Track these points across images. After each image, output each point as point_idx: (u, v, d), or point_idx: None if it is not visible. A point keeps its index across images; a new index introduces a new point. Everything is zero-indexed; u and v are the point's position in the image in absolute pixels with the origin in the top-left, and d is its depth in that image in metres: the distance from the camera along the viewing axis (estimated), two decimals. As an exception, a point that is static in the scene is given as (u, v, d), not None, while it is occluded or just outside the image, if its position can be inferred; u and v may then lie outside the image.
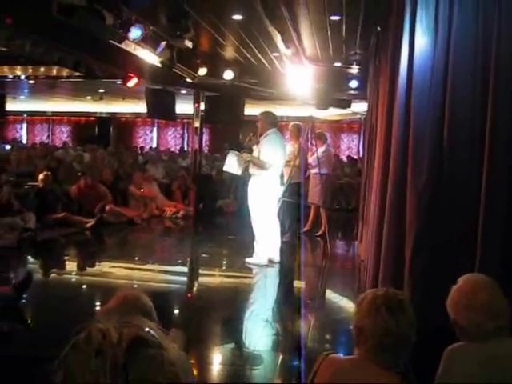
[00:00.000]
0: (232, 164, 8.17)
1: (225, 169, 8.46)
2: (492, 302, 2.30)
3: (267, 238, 8.01)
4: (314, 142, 10.82)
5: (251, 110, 13.57)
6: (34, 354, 3.94)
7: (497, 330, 2.26)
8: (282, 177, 8.55)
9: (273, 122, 8.14)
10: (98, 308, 5.92)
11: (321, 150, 10.45)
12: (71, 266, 8.45)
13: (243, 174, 8.27)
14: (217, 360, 4.76)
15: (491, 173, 3.99)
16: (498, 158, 3.99)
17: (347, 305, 6.38)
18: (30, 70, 13.22)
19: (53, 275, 7.79)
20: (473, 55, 4.17)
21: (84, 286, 7.21)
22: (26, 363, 3.56)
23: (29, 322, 5.71)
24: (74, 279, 7.60)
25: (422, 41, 4.38)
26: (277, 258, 8.12)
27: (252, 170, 8.01)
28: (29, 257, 8.65)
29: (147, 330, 1.03)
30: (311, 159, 10.49)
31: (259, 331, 5.48)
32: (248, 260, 8.00)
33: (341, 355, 2.50)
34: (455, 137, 4.24)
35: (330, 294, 7.24)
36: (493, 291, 2.33)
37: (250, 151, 8.30)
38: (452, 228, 4.26)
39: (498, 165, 4.00)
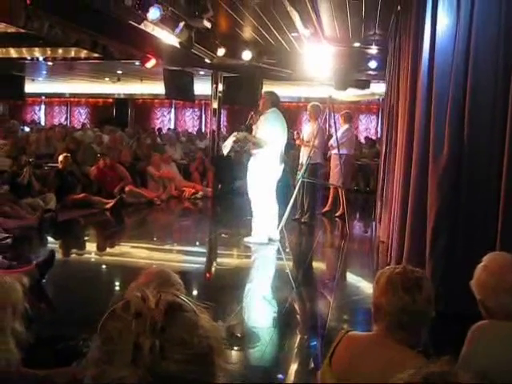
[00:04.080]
0: (228, 145, 8.16)
1: (225, 152, 8.47)
2: None
3: (267, 216, 8.02)
4: (332, 124, 10.79)
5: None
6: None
7: None
8: (285, 155, 8.51)
9: (274, 101, 8.10)
10: (118, 287, 5.98)
11: (342, 129, 10.43)
12: (91, 246, 8.52)
13: (240, 153, 8.21)
14: (235, 340, 4.78)
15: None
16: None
17: (366, 285, 6.37)
18: (49, 52, 13.25)
19: (73, 255, 7.87)
20: (495, 35, 4.12)
21: (104, 266, 7.29)
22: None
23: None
24: (94, 259, 7.68)
25: (444, 21, 4.34)
26: (276, 236, 8.14)
27: (251, 149, 7.99)
28: (50, 237, 8.74)
29: (183, 297, 1.08)
30: (331, 140, 10.47)
31: (278, 311, 5.51)
32: (247, 239, 8.02)
33: (360, 332, 2.50)
34: (476, 119, 4.21)
35: (349, 274, 7.24)
36: None
37: (251, 130, 8.28)
38: (472, 210, 4.25)
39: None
